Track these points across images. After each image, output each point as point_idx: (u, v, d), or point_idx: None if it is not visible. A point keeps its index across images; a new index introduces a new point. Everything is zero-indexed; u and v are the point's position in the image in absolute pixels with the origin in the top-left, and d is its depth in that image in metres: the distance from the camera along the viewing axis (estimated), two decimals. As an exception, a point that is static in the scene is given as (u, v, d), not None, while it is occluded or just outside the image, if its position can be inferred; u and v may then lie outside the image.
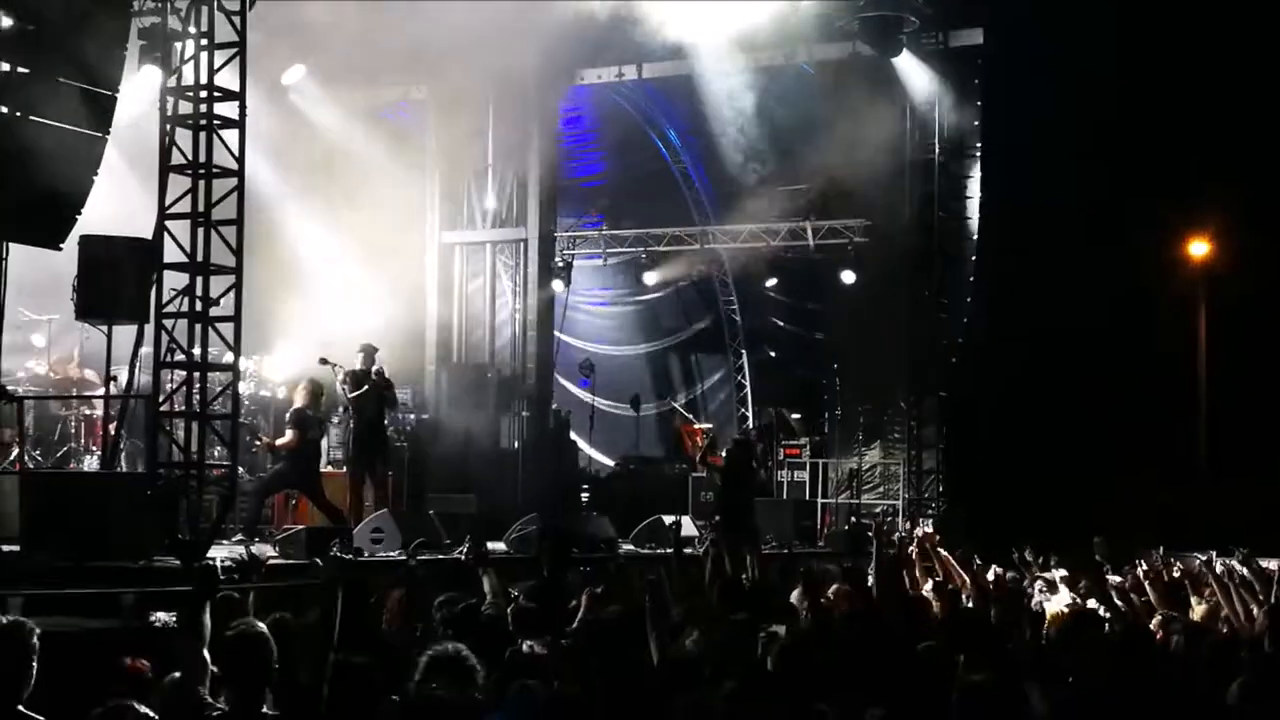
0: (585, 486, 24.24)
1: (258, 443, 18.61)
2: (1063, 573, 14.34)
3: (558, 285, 26.61)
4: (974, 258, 24.22)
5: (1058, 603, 12.78)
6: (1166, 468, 23.18)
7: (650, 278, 27.38)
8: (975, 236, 24.25)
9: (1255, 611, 10.94)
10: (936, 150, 24.38)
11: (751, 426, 25.85)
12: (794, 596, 10.78)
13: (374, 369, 18.79)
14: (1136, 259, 24.02)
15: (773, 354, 27.28)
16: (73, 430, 18.67)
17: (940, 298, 24.41)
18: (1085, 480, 22.44)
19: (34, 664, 7.43)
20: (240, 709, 7.46)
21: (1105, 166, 23.25)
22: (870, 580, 11.58)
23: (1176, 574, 12.94)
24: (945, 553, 13.40)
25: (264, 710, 7.51)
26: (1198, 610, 11.54)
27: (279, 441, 18.00)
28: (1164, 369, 24.37)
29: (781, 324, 27.54)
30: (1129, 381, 23.44)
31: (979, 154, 24.19)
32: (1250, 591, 11.39)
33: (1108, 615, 11.38)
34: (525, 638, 9.12)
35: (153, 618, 10.82)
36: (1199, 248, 25.64)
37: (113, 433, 16.13)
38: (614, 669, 7.95)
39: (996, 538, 20.04)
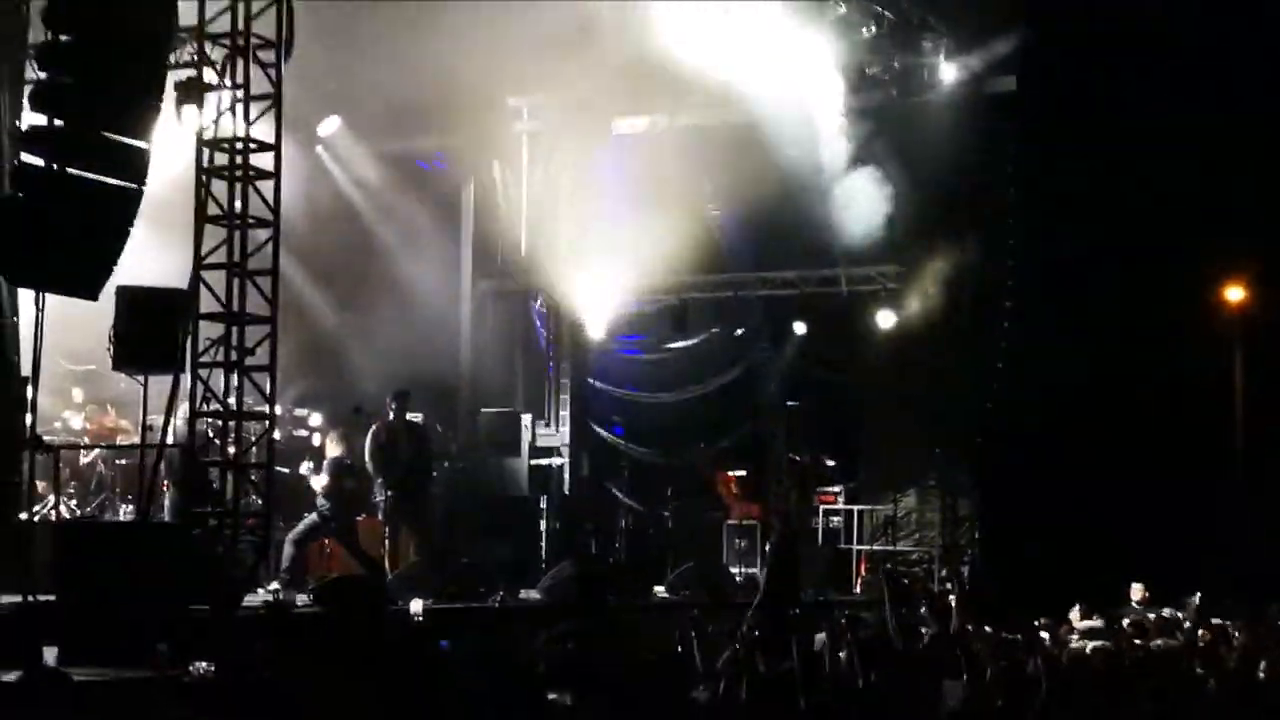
0: (619, 534, 24.19)
1: (306, 467, 18.58)
2: (1091, 622, 14.30)
3: (591, 332, 26.65)
4: (1008, 303, 24.13)
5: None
6: (1204, 515, 23.00)
7: (683, 325, 27.36)
8: (1009, 281, 24.16)
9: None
10: (970, 195, 24.30)
11: (781, 483, 25.70)
12: (817, 642, 10.78)
13: (408, 418, 18.88)
14: (1172, 305, 23.87)
15: (806, 399, 27.20)
16: (109, 480, 18.81)
17: (974, 343, 24.30)
18: (1123, 526, 22.29)
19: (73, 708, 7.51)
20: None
21: (1140, 211, 23.16)
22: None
23: (1211, 621, 12.93)
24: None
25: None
26: (1230, 657, 11.52)
27: (314, 482, 18.15)
28: (1201, 415, 24.18)
29: (815, 369, 27.49)
30: (1166, 428, 23.26)
31: (1012, 199, 24.09)
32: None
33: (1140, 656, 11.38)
34: (556, 685, 9.15)
35: (191, 667, 10.84)
36: (1235, 292, 25.46)
37: (159, 483, 16.22)
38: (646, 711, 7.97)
39: (1033, 584, 20.02)
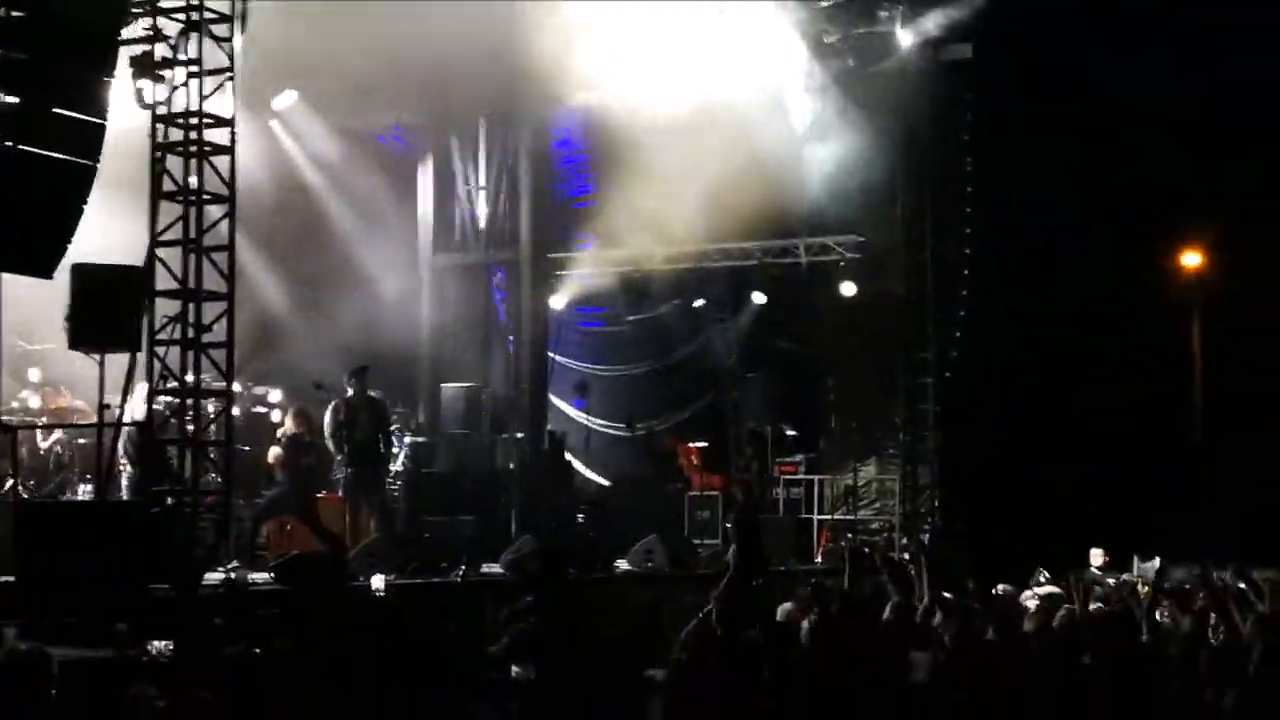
0: (581, 507, 24.18)
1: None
2: (1051, 587, 14.36)
3: (552, 305, 26.63)
4: (966, 271, 24.19)
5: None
6: (1162, 482, 23.13)
7: (643, 297, 27.32)
8: (967, 250, 24.22)
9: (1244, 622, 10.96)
10: (927, 164, 24.33)
11: (743, 453, 25.67)
12: (781, 611, 10.78)
13: (368, 393, 18.85)
14: (1130, 272, 24.01)
15: (766, 370, 27.23)
16: (67, 460, 18.73)
17: (933, 312, 24.36)
18: (1081, 492, 22.41)
19: (53, 690, 7.48)
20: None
21: (1097, 177, 23.25)
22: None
23: (1166, 586, 12.99)
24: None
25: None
26: (1184, 621, 11.58)
27: (270, 457, 18.17)
28: (1159, 381, 24.32)
29: (775, 340, 27.52)
30: (1124, 394, 23.38)
31: (970, 167, 24.13)
32: (1242, 602, 11.41)
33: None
34: (518, 659, 9.14)
35: (149, 646, 10.78)
36: (1192, 259, 25.59)
37: (117, 462, 16.16)
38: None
39: (994, 550, 20.10)
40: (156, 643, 10.80)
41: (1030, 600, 13.65)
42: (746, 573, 16.28)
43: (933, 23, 23.66)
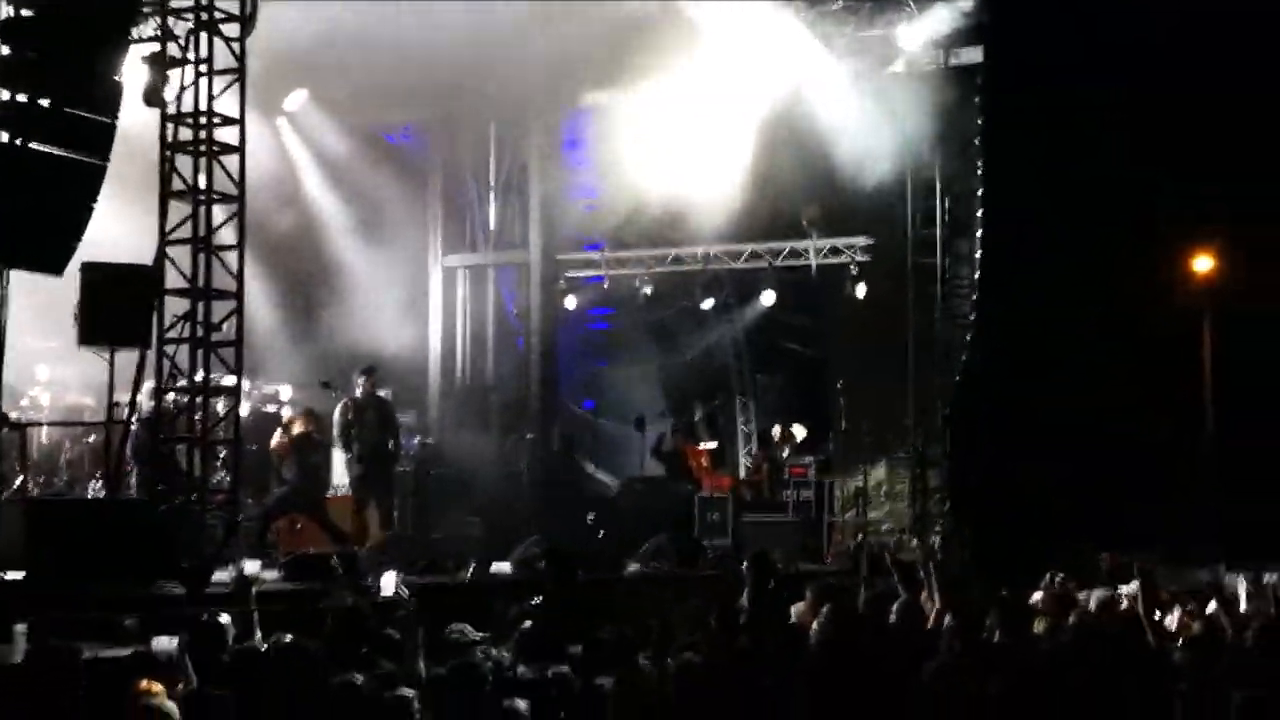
0: (590, 508, 24.17)
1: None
2: (1061, 592, 14.31)
3: (564, 305, 26.63)
4: (977, 275, 24.18)
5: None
6: (1173, 486, 23.11)
7: (653, 298, 27.29)
8: (978, 253, 24.20)
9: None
10: (937, 167, 24.31)
11: (753, 455, 25.61)
12: (795, 611, 10.76)
13: (376, 393, 18.89)
14: (1140, 274, 23.97)
15: (775, 372, 27.23)
16: (76, 458, 18.76)
17: (943, 315, 24.32)
18: (1091, 497, 22.39)
19: (83, 686, 7.50)
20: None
21: (1110, 180, 23.22)
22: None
23: (1172, 590, 12.96)
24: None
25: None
26: (1192, 626, 11.56)
27: (272, 443, 18.26)
28: (1169, 385, 24.30)
29: (784, 342, 27.52)
30: (1133, 399, 23.37)
31: (980, 170, 24.11)
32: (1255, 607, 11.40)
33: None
34: (526, 660, 9.13)
35: (154, 643, 10.77)
36: (1203, 263, 25.54)
37: (124, 460, 16.18)
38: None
39: (1002, 554, 20.10)
40: (163, 639, 10.79)
41: (1039, 603, 13.63)
42: (760, 583, 16.16)
43: (942, 25, 23.63)
